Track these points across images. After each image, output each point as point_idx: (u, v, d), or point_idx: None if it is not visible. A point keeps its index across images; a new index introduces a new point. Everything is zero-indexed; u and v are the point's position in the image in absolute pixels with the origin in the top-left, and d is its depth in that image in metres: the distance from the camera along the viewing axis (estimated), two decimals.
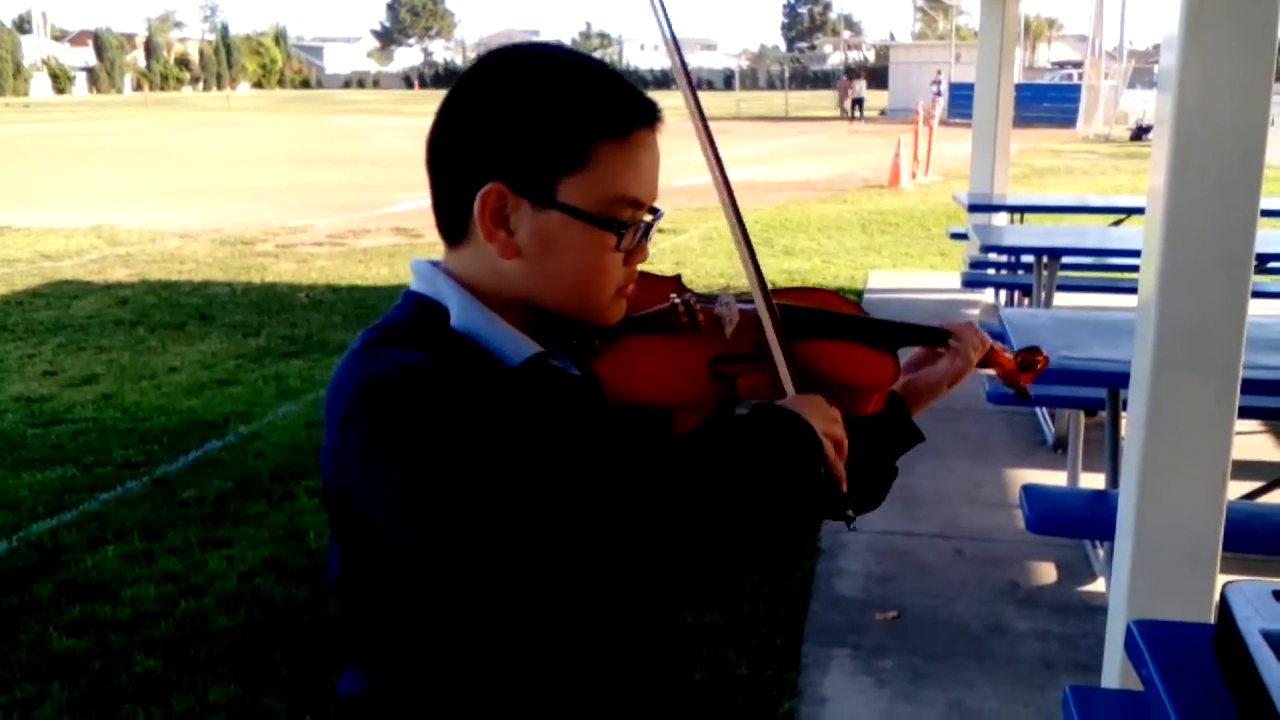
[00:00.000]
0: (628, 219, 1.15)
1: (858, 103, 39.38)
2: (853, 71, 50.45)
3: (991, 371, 1.50)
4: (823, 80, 66.50)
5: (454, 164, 1.15)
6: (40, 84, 75.61)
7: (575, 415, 1.17)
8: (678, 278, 1.35)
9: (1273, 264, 7.13)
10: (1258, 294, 4.08)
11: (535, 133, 1.11)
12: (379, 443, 1.06)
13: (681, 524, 1.06)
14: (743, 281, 1.55)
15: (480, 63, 1.17)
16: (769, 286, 1.24)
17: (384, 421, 1.05)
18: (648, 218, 1.18)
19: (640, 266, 1.23)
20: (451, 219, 1.17)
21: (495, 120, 1.12)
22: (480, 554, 1.03)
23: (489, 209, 1.12)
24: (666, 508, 1.06)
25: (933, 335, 1.44)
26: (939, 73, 36.11)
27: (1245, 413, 2.73)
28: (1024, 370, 1.49)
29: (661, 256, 10.70)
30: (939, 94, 33.57)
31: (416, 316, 1.16)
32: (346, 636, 1.22)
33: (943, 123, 29.12)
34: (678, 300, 1.29)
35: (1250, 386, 2.63)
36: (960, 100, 31.84)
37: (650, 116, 1.15)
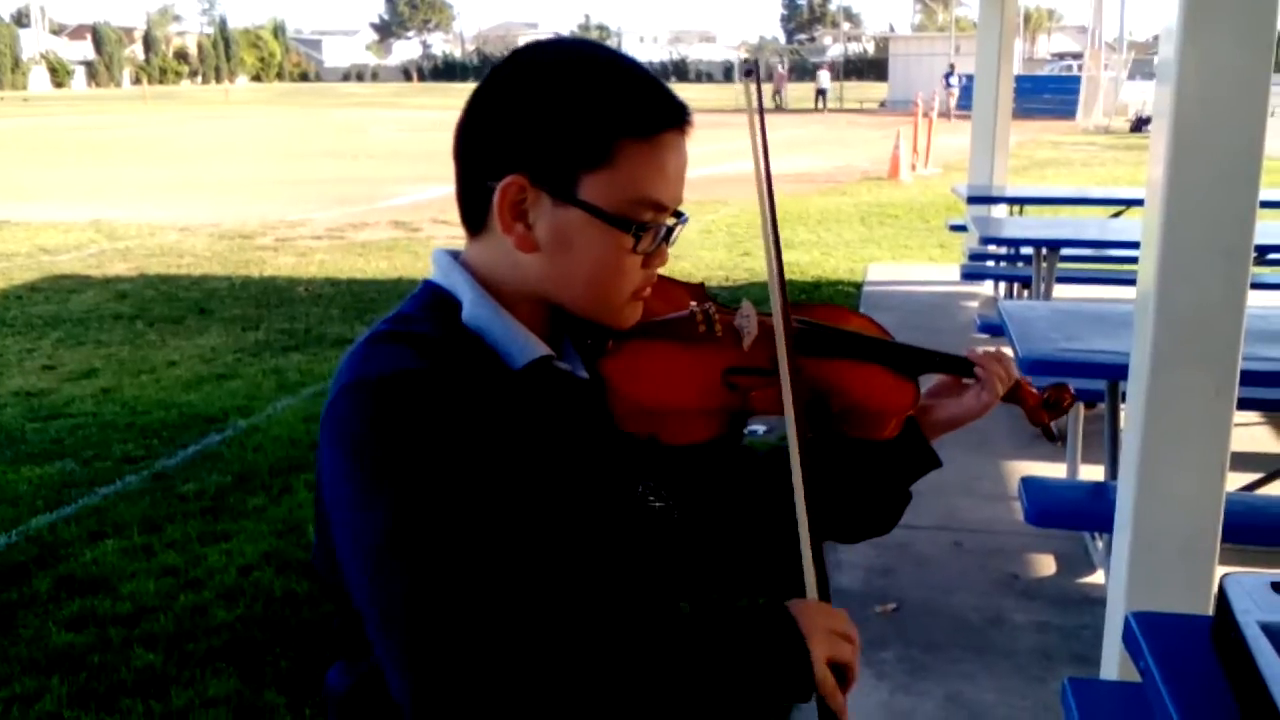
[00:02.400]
0: (648, 221, 1.13)
1: (821, 93, 41.40)
2: (786, 66, 51.99)
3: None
4: None
5: (478, 153, 1.14)
6: (39, 78, 75.45)
7: (563, 460, 1.14)
8: (701, 286, 1.33)
9: (1272, 255, 7.13)
10: (1256, 285, 4.08)
11: (560, 126, 1.10)
12: (344, 447, 1.06)
13: (608, 686, 1.01)
14: (738, 279, 1.54)
15: (514, 54, 1.17)
16: (789, 300, 1.22)
17: (354, 427, 1.06)
18: (670, 221, 1.17)
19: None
20: (473, 209, 1.17)
21: (521, 112, 1.11)
22: (382, 596, 1.00)
23: (508, 201, 1.12)
24: (602, 661, 1.01)
25: (959, 365, 1.39)
26: (952, 65, 35.82)
27: (1244, 404, 2.73)
28: (1049, 409, 1.44)
29: None
30: (951, 86, 33.51)
31: (429, 307, 1.16)
32: (333, 624, 1.22)
33: (955, 115, 29.02)
34: (696, 308, 1.26)
35: (1249, 378, 2.64)
36: (960, 92, 31.79)
37: (679, 119, 1.14)
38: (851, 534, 1.44)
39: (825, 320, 1.35)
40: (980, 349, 1.42)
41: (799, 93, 44.75)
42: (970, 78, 34.65)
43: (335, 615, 1.19)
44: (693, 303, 1.28)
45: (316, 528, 1.17)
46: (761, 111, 1.20)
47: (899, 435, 1.33)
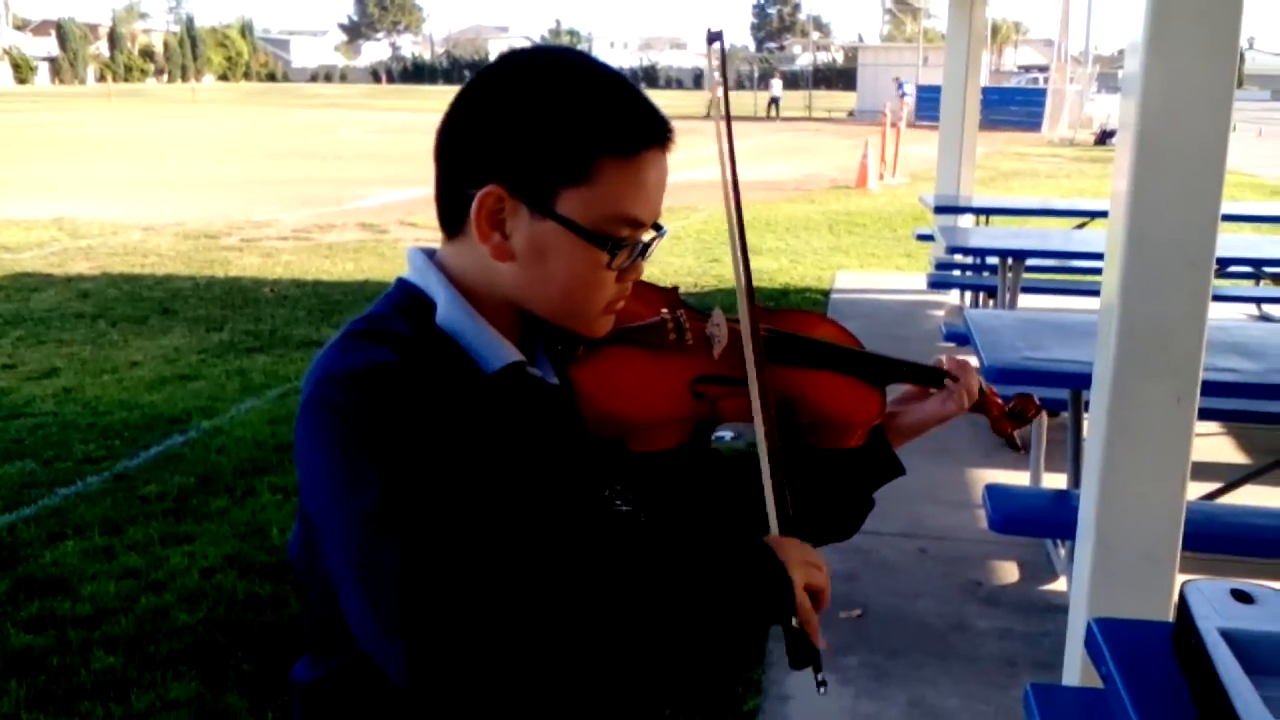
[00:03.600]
0: (625, 237, 1.14)
1: (774, 102, 41.93)
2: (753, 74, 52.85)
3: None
4: (792, 81, 66.70)
5: (459, 158, 1.14)
6: (1, 74, 74.55)
7: (532, 465, 1.15)
8: (675, 290, 1.33)
9: (1233, 268, 7.23)
10: (1218, 298, 4.13)
11: (541, 140, 1.10)
12: (324, 438, 1.06)
13: (600, 629, 1.03)
14: (706, 285, 1.54)
15: (501, 60, 1.17)
16: (758, 306, 1.22)
17: (333, 418, 1.06)
18: (647, 236, 1.17)
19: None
20: (451, 212, 1.16)
21: (504, 121, 1.11)
22: (369, 579, 1.00)
23: (486, 210, 1.12)
24: (590, 608, 1.03)
25: (929, 375, 1.40)
26: (897, 78, 37.47)
27: (1205, 415, 2.76)
28: (1013, 418, 1.46)
29: None
30: (904, 95, 34.35)
31: (403, 307, 1.17)
32: (303, 624, 1.22)
33: (910, 125, 29.35)
34: (668, 316, 1.26)
35: (1210, 389, 2.67)
36: (927, 103, 32.03)
37: (661, 136, 1.14)
38: (813, 539, 1.45)
39: (795, 328, 1.35)
40: (944, 357, 1.43)
41: (759, 101, 45.00)
42: (919, 88, 35.45)
43: (307, 613, 1.19)
44: (664, 310, 1.28)
45: (297, 523, 1.17)
46: (726, 84, 1.20)
47: (864, 443, 1.34)
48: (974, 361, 1.52)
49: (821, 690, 1.16)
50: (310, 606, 1.19)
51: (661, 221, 1.20)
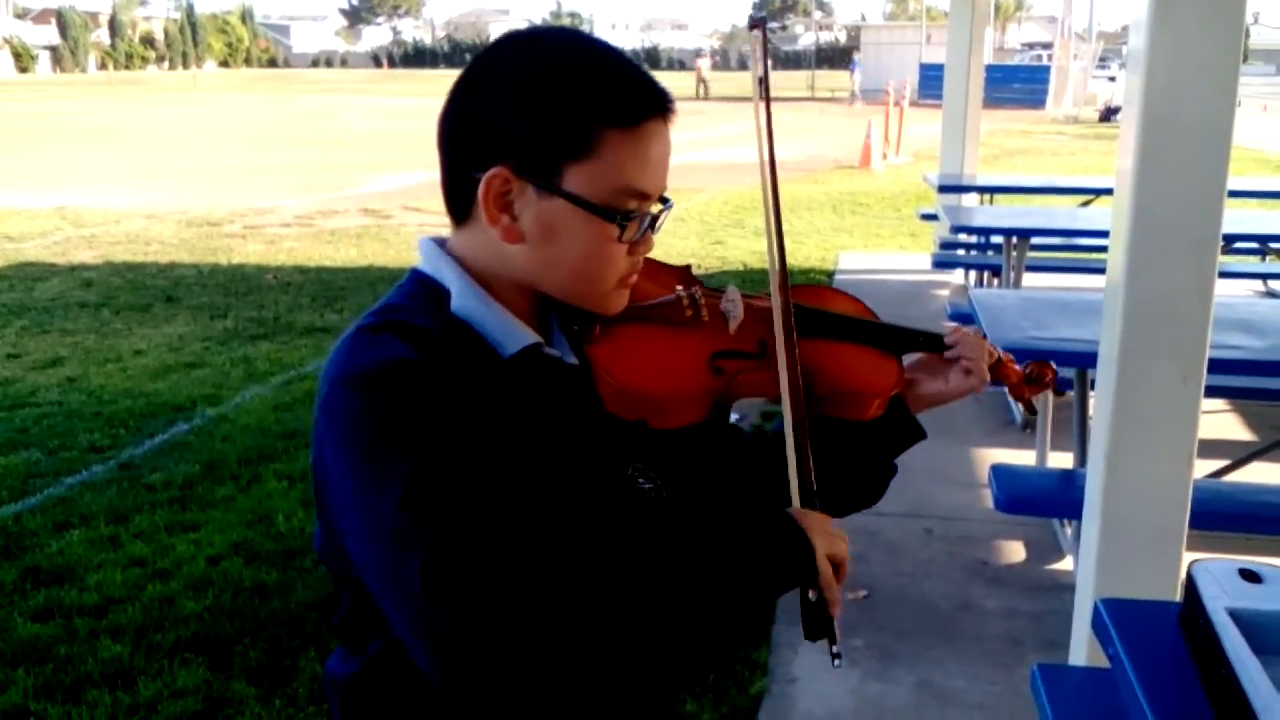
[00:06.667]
0: (633, 210, 1.14)
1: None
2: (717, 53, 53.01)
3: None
4: (794, 61, 66.46)
5: (461, 144, 1.14)
6: (2, 62, 74.44)
7: (554, 445, 1.15)
8: (687, 268, 1.33)
9: (1239, 244, 7.21)
10: (1224, 274, 4.11)
11: (542, 117, 1.10)
12: (345, 436, 1.06)
13: (632, 611, 1.03)
14: (710, 267, 1.53)
15: (495, 44, 1.17)
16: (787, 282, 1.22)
17: (353, 417, 1.06)
18: (655, 209, 1.17)
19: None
20: (458, 199, 1.16)
21: (504, 102, 1.11)
22: (402, 578, 1.00)
23: (493, 192, 1.12)
24: (621, 591, 1.03)
25: (935, 342, 1.40)
26: (853, 57, 40.59)
27: (1211, 392, 2.75)
28: (1032, 383, 1.46)
29: None
30: (855, 70, 38.04)
31: (417, 297, 1.17)
32: (331, 619, 1.22)
33: (914, 104, 29.32)
34: (683, 293, 1.27)
35: (1216, 366, 2.66)
36: (931, 81, 31.92)
37: (662, 106, 1.14)
38: (838, 508, 1.45)
39: (809, 301, 1.35)
40: (951, 326, 1.43)
41: (773, 81, 44.68)
42: (923, 66, 35.97)
43: (336, 607, 1.20)
44: (679, 287, 1.28)
45: (320, 521, 1.17)
46: (767, 71, 1.19)
47: (883, 413, 1.33)
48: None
49: (836, 664, 1.15)
50: (339, 599, 1.19)
51: (668, 195, 1.20)
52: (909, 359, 1.40)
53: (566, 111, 1.10)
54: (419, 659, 1.00)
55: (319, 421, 1.09)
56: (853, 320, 1.35)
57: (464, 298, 1.15)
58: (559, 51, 1.13)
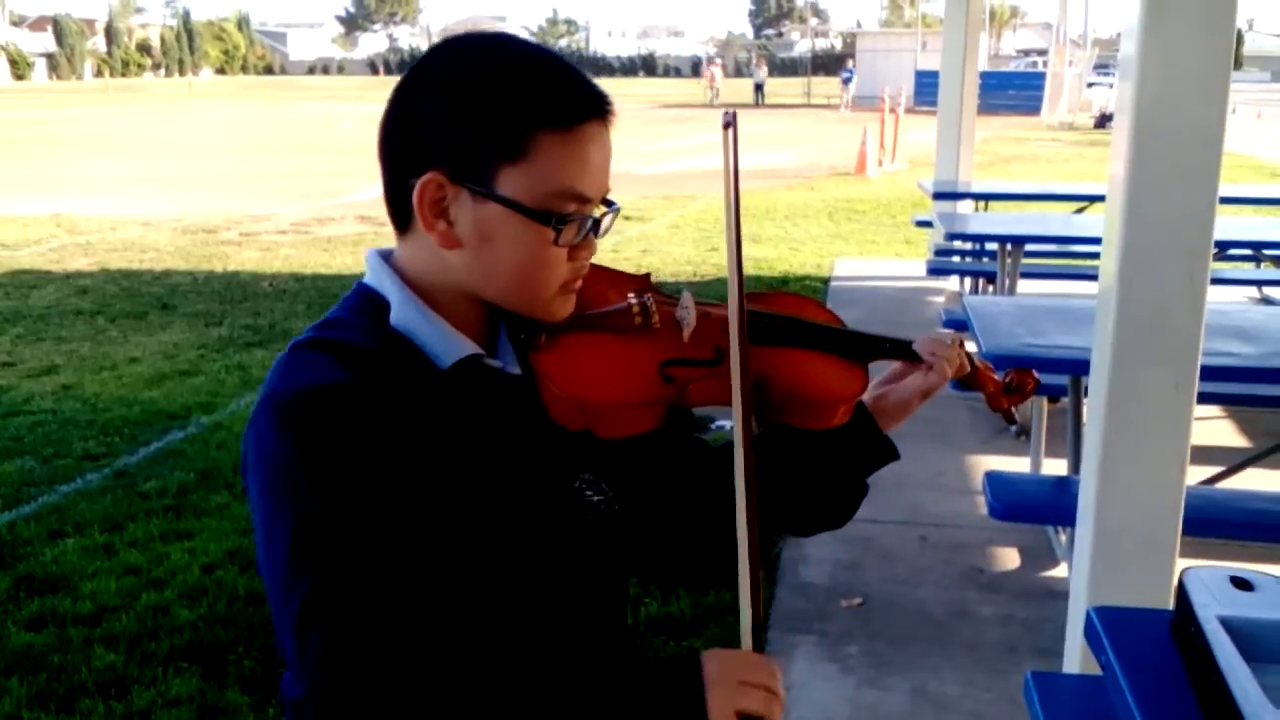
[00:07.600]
0: (570, 213, 1.12)
1: (759, 88, 42.70)
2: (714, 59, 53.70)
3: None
4: (790, 68, 66.56)
5: (398, 151, 1.14)
6: None
7: (492, 459, 1.15)
8: (647, 276, 1.31)
9: (1232, 251, 7.21)
10: (1216, 281, 4.12)
11: (474, 120, 1.09)
12: (261, 461, 1.08)
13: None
14: (706, 274, 1.52)
15: (429, 52, 1.17)
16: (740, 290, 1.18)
17: (270, 444, 1.07)
18: (597, 212, 1.16)
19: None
20: (399, 207, 1.16)
21: (436, 107, 1.11)
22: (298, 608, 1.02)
23: (428, 198, 1.11)
24: (493, 700, 1.03)
25: (902, 349, 1.36)
26: (847, 66, 40.54)
27: (1204, 399, 2.75)
28: (1010, 393, 1.42)
29: (629, 244, 10.59)
30: (848, 80, 38.18)
31: (359, 311, 1.17)
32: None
33: (909, 110, 29.42)
34: (634, 300, 1.24)
35: (1209, 373, 2.66)
36: (927, 88, 31.98)
37: (600, 109, 1.13)
38: (805, 526, 1.43)
39: (770, 308, 1.32)
40: (920, 337, 1.38)
41: (769, 87, 44.83)
42: (918, 73, 36.23)
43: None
44: (631, 295, 1.26)
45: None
46: (736, 164, 1.18)
47: (851, 426, 1.30)
48: (971, 347, 1.49)
49: None
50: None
51: (612, 198, 1.18)
52: (882, 374, 1.38)
53: (499, 114, 1.09)
54: (294, 686, 1.04)
55: (246, 439, 1.11)
56: (814, 326, 1.32)
57: (403, 309, 1.14)
58: (492, 54, 1.13)
